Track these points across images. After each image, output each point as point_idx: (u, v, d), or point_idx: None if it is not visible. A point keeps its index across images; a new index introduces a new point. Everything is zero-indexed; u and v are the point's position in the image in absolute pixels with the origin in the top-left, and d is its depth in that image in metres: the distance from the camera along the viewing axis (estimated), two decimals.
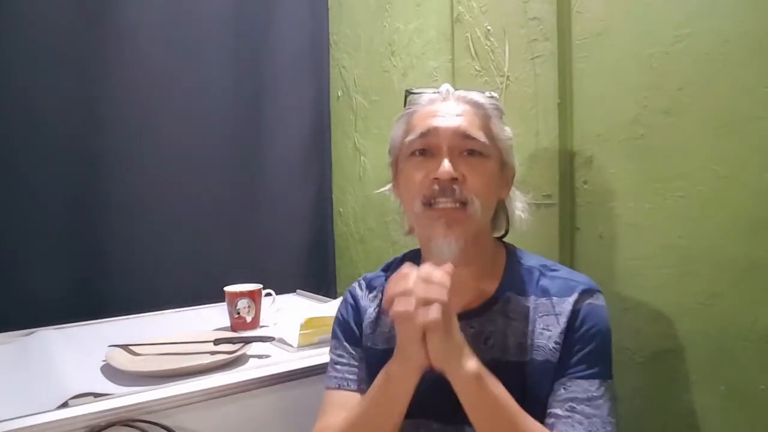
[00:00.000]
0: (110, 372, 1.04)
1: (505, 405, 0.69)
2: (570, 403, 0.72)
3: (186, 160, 1.61)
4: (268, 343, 1.21)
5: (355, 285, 0.93)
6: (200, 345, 1.18)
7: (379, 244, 1.65)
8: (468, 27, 1.28)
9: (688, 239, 0.91)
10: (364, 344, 0.87)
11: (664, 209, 0.94)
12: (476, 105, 0.81)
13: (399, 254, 0.93)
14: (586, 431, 0.71)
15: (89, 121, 1.48)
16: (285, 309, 1.48)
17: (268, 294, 1.41)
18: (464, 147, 0.77)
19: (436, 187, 0.75)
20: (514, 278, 0.81)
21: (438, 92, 0.83)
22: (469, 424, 0.74)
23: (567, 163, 1.09)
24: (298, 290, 1.74)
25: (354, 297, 0.91)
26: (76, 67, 1.45)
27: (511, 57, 1.18)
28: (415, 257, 0.86)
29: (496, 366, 0.71)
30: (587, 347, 0.75)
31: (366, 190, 1.70)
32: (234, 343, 1.16)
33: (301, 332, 1.17)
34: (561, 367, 0.75)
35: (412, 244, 0.89)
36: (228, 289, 1.33)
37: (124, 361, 1.08)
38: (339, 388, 0.85)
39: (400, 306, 0.65)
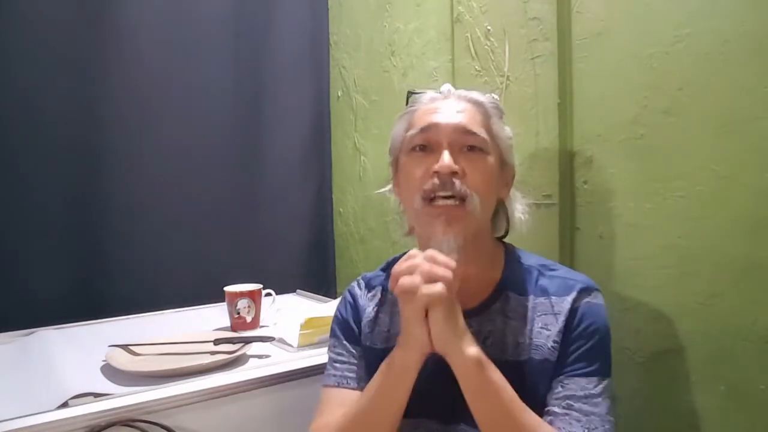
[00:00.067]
0: (110, 372, 1.04)
1: (505, 393, 0.69)
2: (567, 401, 0.73)
3: (186, 160, 1.61)
4: (268, 343, 1.20)
5: (354, 284, 0.94)
6: (200, 345, 1.18)
7: (379, 244, 1.65)
8: (468, 27, 1.28)
9: (688, 239, 0.91)
10: (363, 343, 0.87)
11: (664, 209, 0.94)
12: (477, 103, 0.82)
13: (398, 254, 0.93)
14: (583, 429, 0.71)
15: (89, 121, 1.48)
16: (285, 309, 1.48)
17: (268, 294, 1.41)
18: (464, 143, 0.78)
19: (436, 180, 0.76)
20: (513, 278, 0.82)
21: (440, 92, 0.84)
22: (468, 424, 0.74)
23: (567, 163, 1.08)
24: (298, 290, 1.74)
25: (353, 296, 0.92)
26: (76, 67, 1.45)
27: (511, 57, 1.18)
28: None
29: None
30: (585, 345, 0.75)
31: (366, 190, 1.70)
32: (234, 343, 1.16)
33: (301, 332, 1.17)
34: (559, 365, 0.75)
35: (412, 244, 0.89)
36: (228, 289, 1.33)
37: (124, 361, 1.08)
38: (338, 386, 0.85)
39: (405, 281, 0.67)
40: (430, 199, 0.76)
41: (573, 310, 0.76)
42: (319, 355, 1.09)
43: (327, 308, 1.28)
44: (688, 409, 0.92)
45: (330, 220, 1.88)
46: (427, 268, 0.67)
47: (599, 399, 0.73)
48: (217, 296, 1.36)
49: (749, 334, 0.84)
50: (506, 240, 0.89)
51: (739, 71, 0.84)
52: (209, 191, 1.65)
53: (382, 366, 0.75)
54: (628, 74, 0.98)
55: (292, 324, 1.22)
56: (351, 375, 0.85)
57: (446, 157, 0.75)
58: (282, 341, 1.21)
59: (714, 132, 0.87)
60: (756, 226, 0.83)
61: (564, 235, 1.09)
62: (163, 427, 0.90)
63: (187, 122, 1.61)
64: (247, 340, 1.17)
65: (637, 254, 0.98)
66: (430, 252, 0.69)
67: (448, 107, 0.80)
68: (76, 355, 1.15)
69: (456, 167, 0.75)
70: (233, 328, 1.33)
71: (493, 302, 0.80)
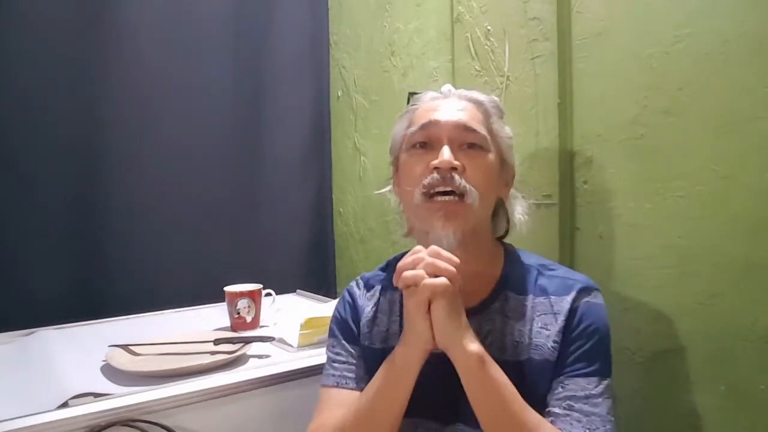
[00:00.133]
0: (110, 372, 1.04)
1: (507, 390, 0.70)
2: (568, 402, 0.73)
3: (186, 160, 1.61)
4: (268, 343, 1.20)
5: (353, 284, 0.94)
6: (200, 345, 1.18)
7: (379, 244, 1.65)
8: (468, 27, 1.28)
9: (688, 239, 0.91)
10: (362, 343, 0.87)
11: (664, 209, 0.94)
12: (477, 102, 0.82)
13: (398, 253, 0.93)
14: (584, 429, 0.71)
15: (89, 121, 1.48)
16: (285, 309, 1.48)
17: (268, 294, 1.41)
18: (464, 140, 0.78)
19: (436, 175, 0.76)
20: (513, 277, 0.82)
21: (440, 93, 0.85)
22: (467, 424, 0.74)
23: (567, 163, 1.09)
24: (298, 290, 1.74)
25: (352, 295, 0.92)
26: (76, 67, 1.45)
27: (511, 57, 1.18)
28: None
29: None
30: (585, 345, 0.75)
31: (366, 190, 1.70)
32: (234, 343, 1.16)
33: (301, 332, 1.17)
34: (559, 365, 0.75)
35: (412, 244, 0.89)
36: (228, 289, 1.33)
37: (124, 361, 1.08)
38: (336, 386, 0.85)
39: (409, 274, 0.69)
40: (429, 194, 0.77)
41: (572, 310, 0.76)
42: (319, 355, 1.09)
43: (327, 308, 1.28)
44: (688, 409, 0.92)
45: (330, 220, 1.88)
46: (431, 262, 0.69)
47: (600, 399, 0.73)
48: (217, 296, 1.36)
49: (749, 334, 0.84)
50: (506, 240, 0.89)
51: (739, 71, 0.84)
52: (209, 191, 1.65)
53: (384, 364, 0.76)
54: (628, 74, 0.98)
55: (292, 324, 1.22)
56: (350, 375, 0.85)
57: (446, 153, 0.76)
58: (282, 341, 1.21)
59: (714, 132, 0.87)
60: (756, 226, 0.83)
61: (564, 235, 1.09)
62: (163, 427, 0.90)
63: (187, 122, 1.61)
64: (247, 340, 1.17)
65: (637, 254, 0.98)
66: (434, 248, 0.70)
67: (449, 105, 0.81)
68: (76, 355, 1.15)
69: (456, 163, 0.76)
70: (233, 328, 1.33)
71: (493, 301, 0.80)
